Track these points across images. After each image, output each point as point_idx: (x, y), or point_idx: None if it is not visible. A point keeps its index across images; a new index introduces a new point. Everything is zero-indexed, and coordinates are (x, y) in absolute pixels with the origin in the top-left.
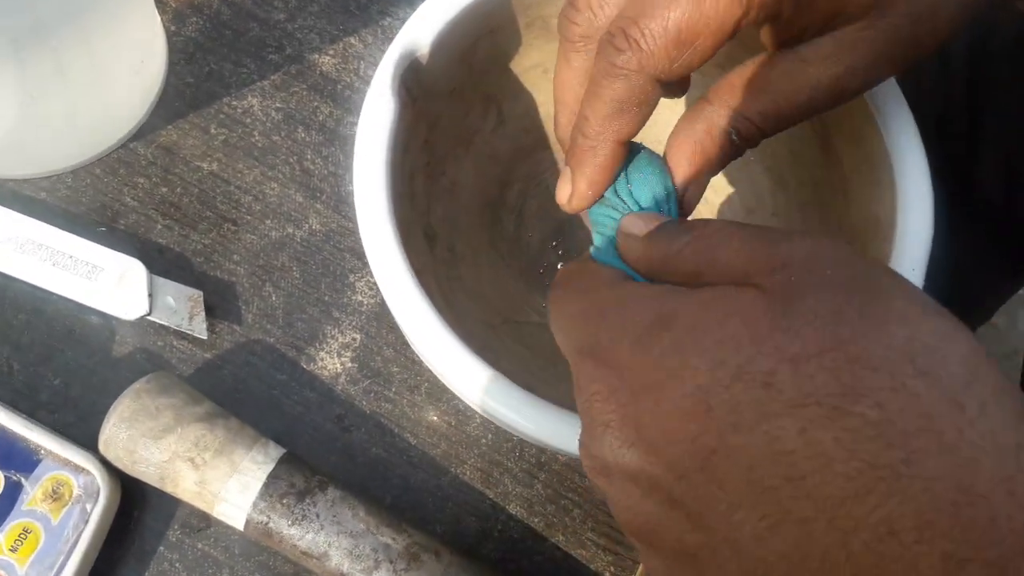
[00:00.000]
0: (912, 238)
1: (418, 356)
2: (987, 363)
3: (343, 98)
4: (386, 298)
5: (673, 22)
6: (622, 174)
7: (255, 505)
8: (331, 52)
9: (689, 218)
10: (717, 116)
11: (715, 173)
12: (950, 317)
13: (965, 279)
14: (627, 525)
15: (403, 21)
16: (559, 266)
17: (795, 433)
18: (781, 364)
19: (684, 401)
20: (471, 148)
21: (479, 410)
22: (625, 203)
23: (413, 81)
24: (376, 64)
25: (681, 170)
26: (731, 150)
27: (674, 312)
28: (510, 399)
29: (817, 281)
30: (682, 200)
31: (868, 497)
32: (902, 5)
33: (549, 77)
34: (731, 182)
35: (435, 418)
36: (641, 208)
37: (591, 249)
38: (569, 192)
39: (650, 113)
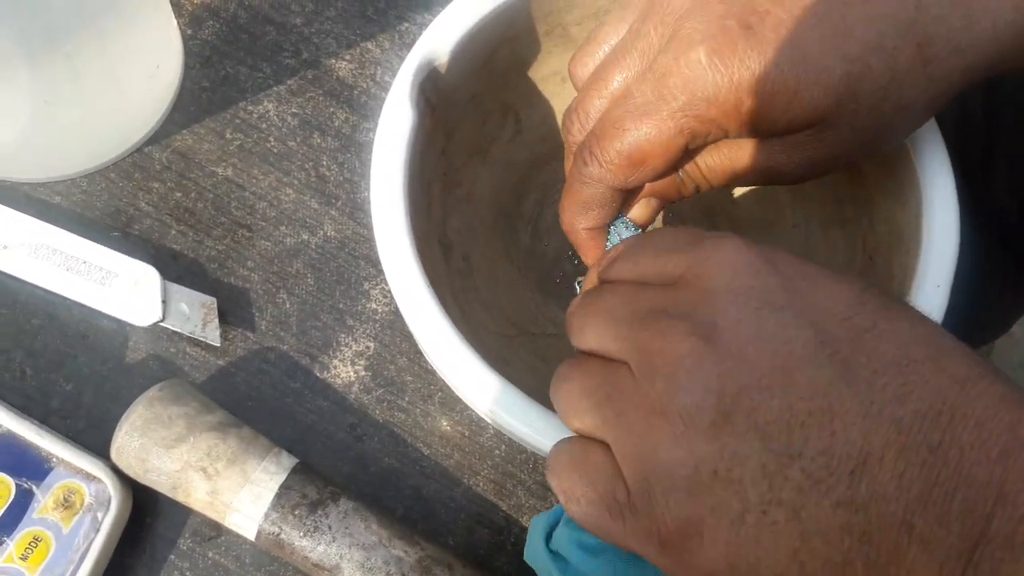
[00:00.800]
0: (938, 256)
1: (432, 366)
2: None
3: (359, 104)
4: (401, 308)
5: (626, 145)
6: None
7: (267, 516)
8: (348, 57)
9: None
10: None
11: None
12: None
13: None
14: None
15: (421, 27)
16: (577, 281)
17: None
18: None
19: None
20: (488, 157)
21: (492, 423)
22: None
23: (432, 90)
24: (393, 70)
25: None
26: (675, 191)
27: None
28: (523, 412)
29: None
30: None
31: None
32: (845, 126)
33: (567, 85)
34: (753, 196)
35: (448, 428)
36: None
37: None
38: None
39: (614, 211)
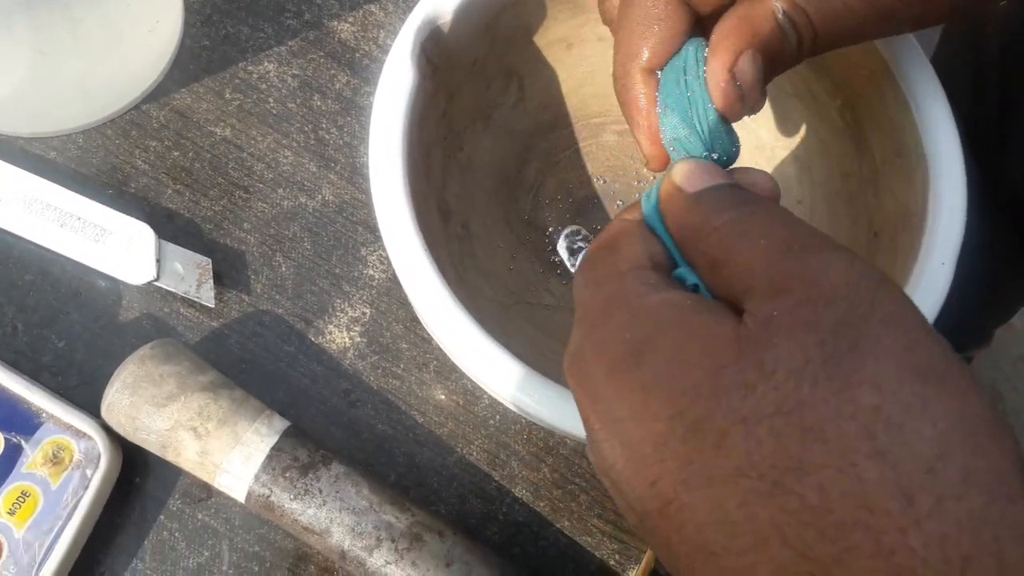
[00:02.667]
0: (943, 234)
1: (428, 333)
2: (962, 441)
3: (361, 67)
4: (397, 271)
5: None
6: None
7: (257, 478)
8: (351, 19)
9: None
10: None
11: (764, 69)
12: (937, 379)
13: (990, 272)
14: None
15: None
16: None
17: (735, 505)
18: (735, 425)
19: (643, 445)
20: (490, 123)
21: (487, 389)
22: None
23: (434, 50)
24: (396, 33)
25: (726, 44)
26: (780, 40)
27: (651, 342)
28: (520, 381)
29: (803, 321)
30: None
31: None
32: None
33: (572, 52)
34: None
35: (443, 397)
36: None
37: (647, 192)
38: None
39: (682, 33)
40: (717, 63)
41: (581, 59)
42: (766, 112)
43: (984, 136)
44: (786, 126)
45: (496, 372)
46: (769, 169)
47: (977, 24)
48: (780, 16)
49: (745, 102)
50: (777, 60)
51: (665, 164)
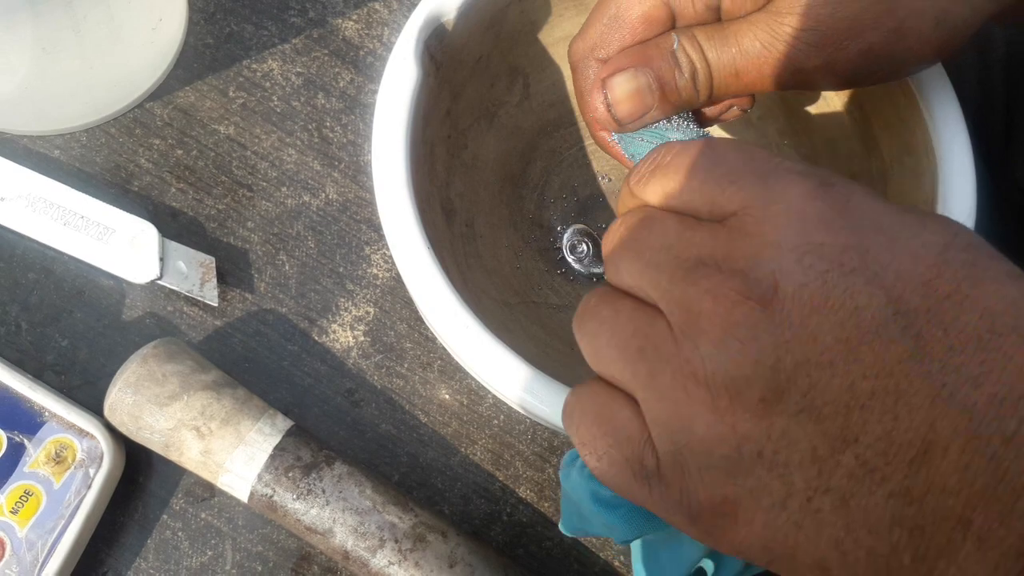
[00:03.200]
0: None
1: (432, 333)
2: None
3: (365, 65)
4: (401, 271)
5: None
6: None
7: (260, 477)
8: (355, 17)
9: None
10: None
11: (649, 92)
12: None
13: None
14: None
15: None
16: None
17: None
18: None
19: None
20: (495, 121)
21: (491, 389)
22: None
23: (437, 47)
24: (400, 31)
25: (613, 61)
26: (672, 71)
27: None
28: (525, 380)
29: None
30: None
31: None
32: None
33: None
34: None
35: (447, 396)
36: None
37: None
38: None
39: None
40: (602, 72)
41: None
42: (773, 110)
43: (990, 136)
44: (793, 125)
45: (500, 372)
46: None
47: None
48: (675, 46)
49: (615, 117)
50: (670, 91)
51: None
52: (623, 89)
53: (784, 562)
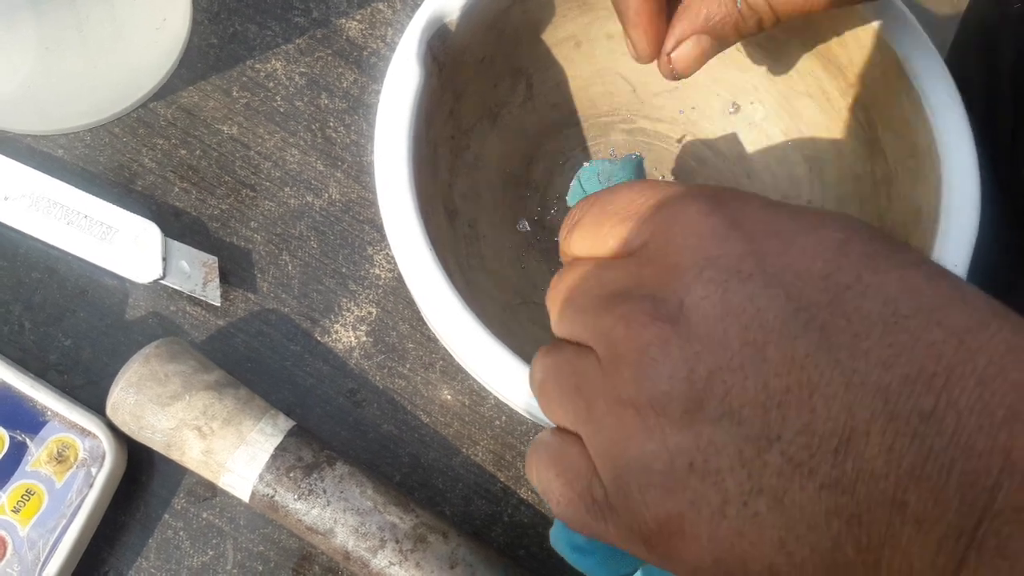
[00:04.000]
0: (956, 236)
1: (434, 333)
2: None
3: (369, 65)
4: (403, 271)
5: None
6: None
7: (261, 477)
8: (358, 17)
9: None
10: None
11: (710, 49)
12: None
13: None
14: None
15: None
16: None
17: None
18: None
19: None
20: (497, 122)
21: (493, 391)
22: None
23: (440, 48)
24: (404, 31)
25: (674, 30)
26: (735, 23)
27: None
28: (525, 382)
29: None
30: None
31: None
32: None
33: (582, 51)
34: (767, 169)
35: (449, 397)
36: None
37: None
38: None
39: None
40: (668, 42)
41: (590, 57)
42: (778, 111)
43: (997, 138)
44: (798, 126)
45: (502, 374)
46: (779, 169)
47: (990, 28)
48: (739, 4)
49: (678, 77)
50: (731, 38)
51: (655, 55)
52: (688, 57)
53: (739, 574)
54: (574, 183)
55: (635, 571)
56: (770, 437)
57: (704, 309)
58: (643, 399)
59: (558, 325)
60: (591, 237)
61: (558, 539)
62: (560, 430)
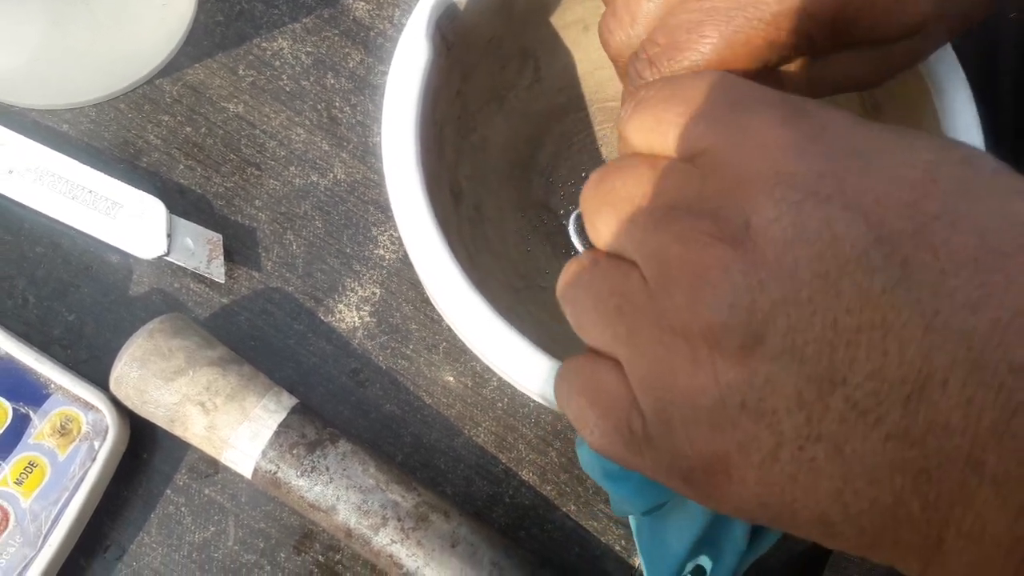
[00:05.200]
0: None
1: (438, 314)
2: None
3: (375, 46)
4: (409, 251)
5: (705, 57)
6: None
7: (264, 454)
8: None
9: None
10: None
11: None
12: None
13: None
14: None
15: None
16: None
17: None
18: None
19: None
20: (504, 104)
21: (497, 371)
22: None
23: (449, 27)
24: (411, 12)
25: None
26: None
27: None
28: (530, 362)
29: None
30: None
31: None
32: (942, 30)
33: (590, 34)
34: None
35: (451, 378)
36: None
37: None
38: None
39: None
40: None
41: (598, 41)
42: None
43: (999, 132)
44: None
45: (510, 356)
46: None
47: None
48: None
49: None
50: None
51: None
52: None
53: (786, 519)
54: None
55: (664, 500)
56: (835, 380)
57: (773, 232)
58: (696, 328)
59: (596, 232)
60: (652, 122)
61: (591, 465)
62: (593, 352)
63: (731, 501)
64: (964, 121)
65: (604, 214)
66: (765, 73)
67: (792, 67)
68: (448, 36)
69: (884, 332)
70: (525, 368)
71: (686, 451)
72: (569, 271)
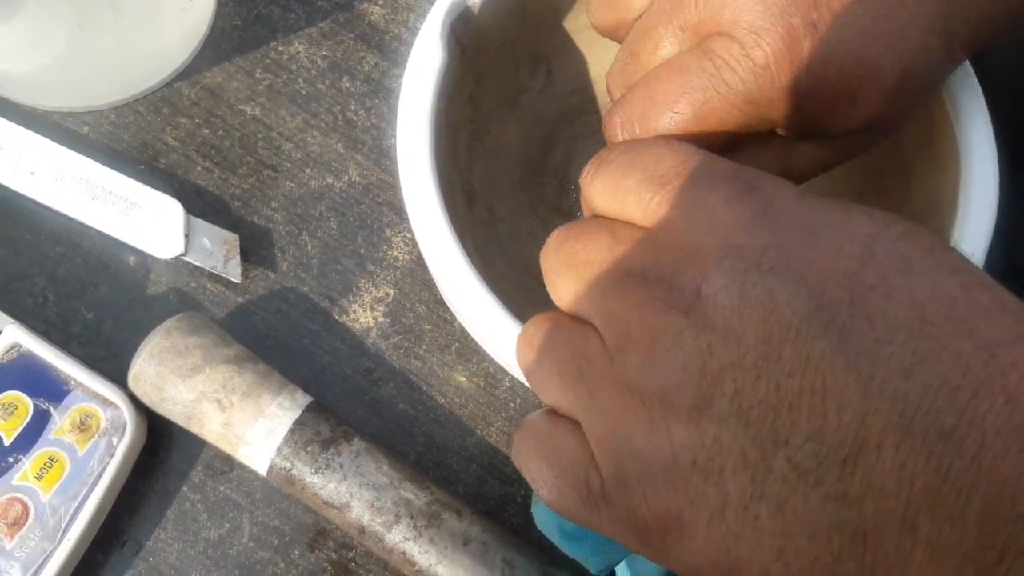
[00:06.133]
0: (974, 226)
1: (451, 315)
2: None
3: (390, 49)
4: (423, 251)
5: (674, 124)
6: None
7: (279, 451)
8: (381, 2)
9: None
10: None
11: None
12: None
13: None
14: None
15: None
16: None
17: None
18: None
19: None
20: (517, 107)
21: (510, 369)
22: None
23: (463, 31)
24: (425, 16)
25: None
26: None
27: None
28: None
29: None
30: None
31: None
32: (892, 122)
33: (602, 37)
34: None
35: (464, 378)
36: None
37: None
38: None
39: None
40: None
41: (611, 45)
42: None
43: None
44: None
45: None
46: None
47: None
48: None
49: None
50: None
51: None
52: None
53: None
54: None
55: (624, 558)
56: (777, 441)
57: (721, 300)
58: (651, 390)
59: (556, 292)
60: (612, 187)
61: (548, 525)
62: (552, 413)
63: (683, 559)
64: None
65: (564, 276)
66: (730, 142)
67: (761, 147)
68: (462, 39)
69: (823, 395)
70: None
71: (642, 508)
72: (527, 335)
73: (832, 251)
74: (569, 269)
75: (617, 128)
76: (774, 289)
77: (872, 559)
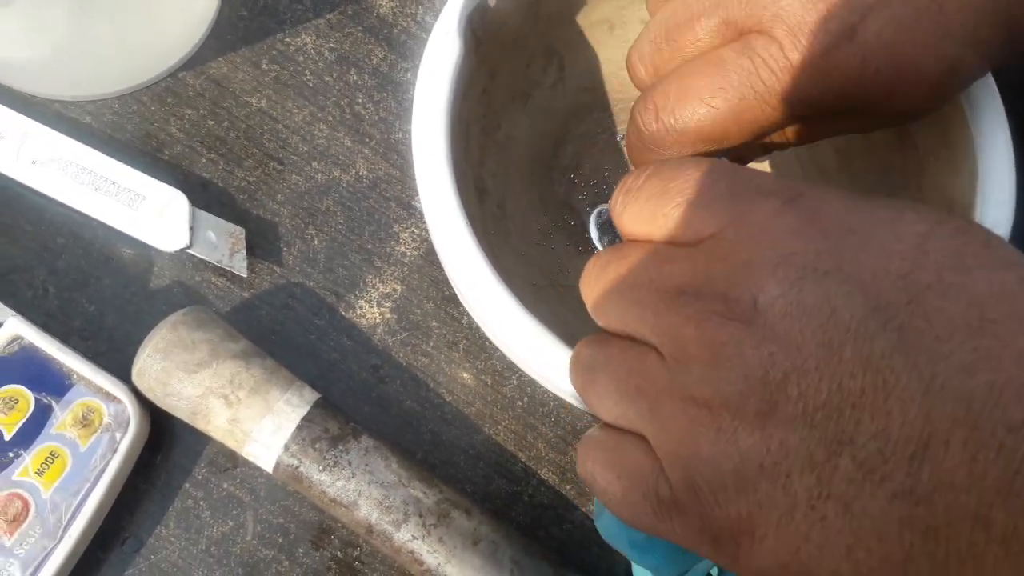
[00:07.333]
0: (991, 227)
1: (458, 312)
2: None
3: (399, 43)
4: (436, 243)
5: (707, 118)
6: None
7: (287, 448)
8: None
9: None
10: None
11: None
12: None
13: None
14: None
15: None
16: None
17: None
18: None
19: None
20: (528, 102)
21: (523, 367)
22: None
23: (479, 24)
24: (436, 10)
25: None
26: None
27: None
28: (561, 360)
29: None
30: None
31: None
32: (931, 110)
33: (615, 34)
34: (797, 160)
35: (471, 376)
36: None
37: None
38: None
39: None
40: None
41: (623, 41)
42: None
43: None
44: None
45: (539, 352)
46: (809, 161)
47: None
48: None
49: None
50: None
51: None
52: None
53: None
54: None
55: (692, 567)
56: (842, 441)
57: (778, 308)
58: (717, 399)
59: (606, 317)
60: (649, 213)
61: (617, 536)
62: (613, 428)
63: (754, 562)
64: (993, 128)
65: (613, 300)
66: (759, 137)
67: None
68: (479, 32)
69: (886, 394)
70: (557, 366)
71: (715, 513)
72: (580, 358)
73: (884, 252)
74: (616, 293)
75: (652, 115)
76: (830, 293)
77: (944, 555)
